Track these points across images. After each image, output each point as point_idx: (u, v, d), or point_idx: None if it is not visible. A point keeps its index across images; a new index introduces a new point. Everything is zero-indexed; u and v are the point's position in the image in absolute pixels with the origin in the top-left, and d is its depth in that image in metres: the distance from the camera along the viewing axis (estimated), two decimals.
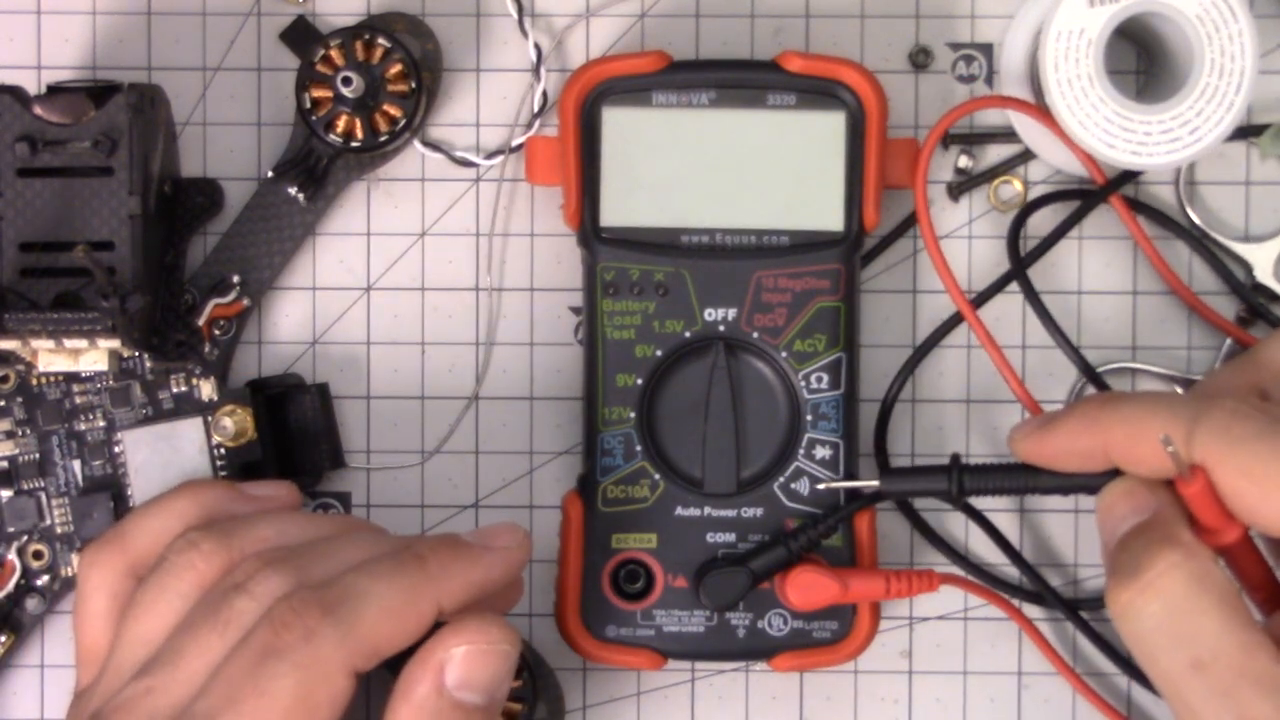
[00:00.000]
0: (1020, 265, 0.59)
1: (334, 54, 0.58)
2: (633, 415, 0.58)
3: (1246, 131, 0.60)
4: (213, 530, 0.53)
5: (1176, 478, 0.49)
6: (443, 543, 0.52)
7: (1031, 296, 0.58)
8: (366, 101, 0.58)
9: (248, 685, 0.48)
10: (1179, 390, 0.61)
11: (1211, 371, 0.60)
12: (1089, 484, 0.52)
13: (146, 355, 0.60)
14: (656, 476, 0.58)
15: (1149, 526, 0.49)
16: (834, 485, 0.58)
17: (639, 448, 0.58)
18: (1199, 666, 0.47)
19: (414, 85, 0.58)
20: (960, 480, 0.55)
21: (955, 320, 0.61)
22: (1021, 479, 0.54)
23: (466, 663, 0.50)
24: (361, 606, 0.49)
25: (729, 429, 0.58)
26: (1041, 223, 0.61)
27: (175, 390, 0.60)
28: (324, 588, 0.50)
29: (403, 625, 0.50)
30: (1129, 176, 0.60)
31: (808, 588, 0.57)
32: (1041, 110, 0.58)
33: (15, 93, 0.57)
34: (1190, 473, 0.48)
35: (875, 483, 0.56)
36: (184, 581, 0.52)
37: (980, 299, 0.60)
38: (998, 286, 0.60)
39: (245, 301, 0.61)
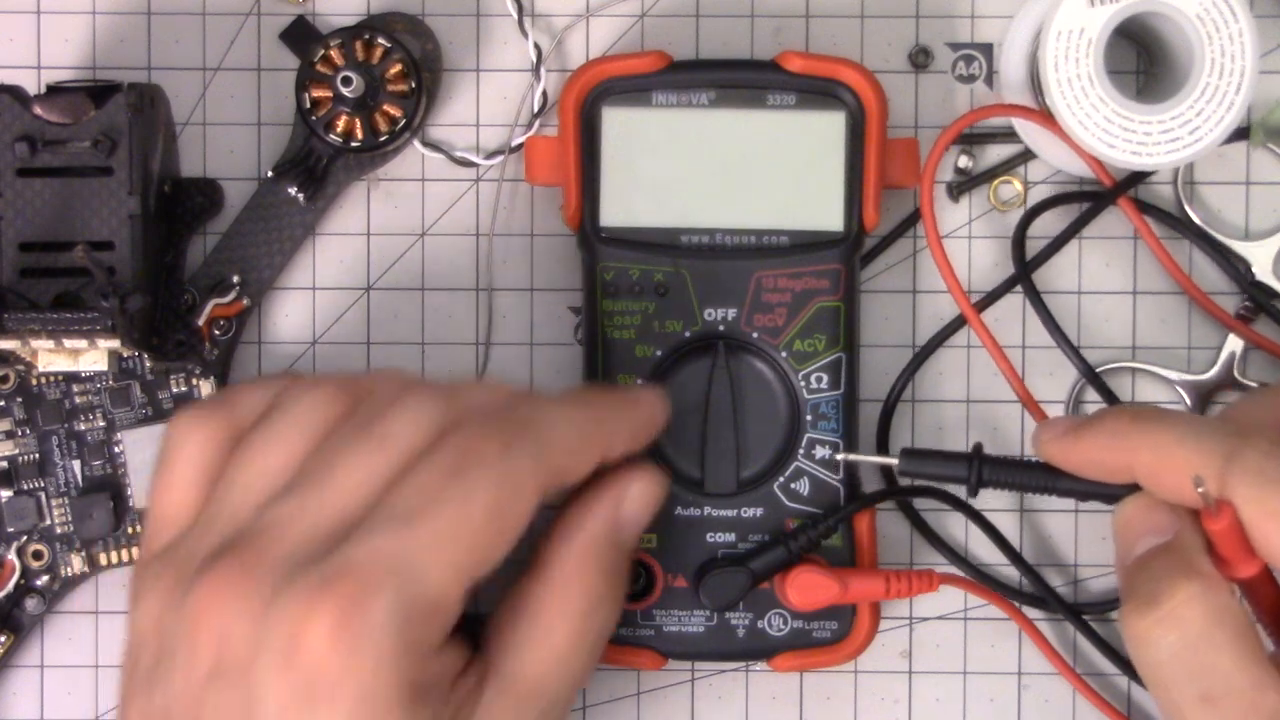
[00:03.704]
0: (1025, 270, 0.59)
1: (334, 54, 0.58)
2: None
3: (1246, 131, 0.60)
4: (331, 378, 0.51)
5: (1203, 510, 0.49)
6: (599, 388, 0.52)
7: (1036, 301, 0.58)
8: (366, 101, 0.58)
9: (450, 489, 0.47)
10: (1181, 391, 0.61)
11: (1240, 398, 0.59)
12: (1108, 492, 0.52)
13: (146, 355, 0.60)
14: None
15: (1168, 551, 0.49)
16: (851, 458, 0.58)
17: None
18: (1210, 700, 0.47)
19: (414, 85, 0.58)
20: (980, 470, 0.54)
21: (959, 323, 0.60)
22: (1040, 478, 0.54)
23: (640, 501, 0.51)
24: (549, 431, 0.49)
25: (729, 429, 0.58)
26: (1042, 224, 0.60)
27: (175, 390, 0.60)
28: (505, 412, 0.49)
29: (585, 456, 0.50)
30: (1137, 178, 0.59)
31: (808, 588, 0.57)
32: (1047, 116, 0.58)
33: (15, 93, 0.57)
34: (1218, 509, 0.48)
35: (894, 460, 0.56)
36: (306, 417, 0.50)
37: (984, 303, 0.60)
38: (1001, 291, 0.60)
39: (245, 301, 0.61)
